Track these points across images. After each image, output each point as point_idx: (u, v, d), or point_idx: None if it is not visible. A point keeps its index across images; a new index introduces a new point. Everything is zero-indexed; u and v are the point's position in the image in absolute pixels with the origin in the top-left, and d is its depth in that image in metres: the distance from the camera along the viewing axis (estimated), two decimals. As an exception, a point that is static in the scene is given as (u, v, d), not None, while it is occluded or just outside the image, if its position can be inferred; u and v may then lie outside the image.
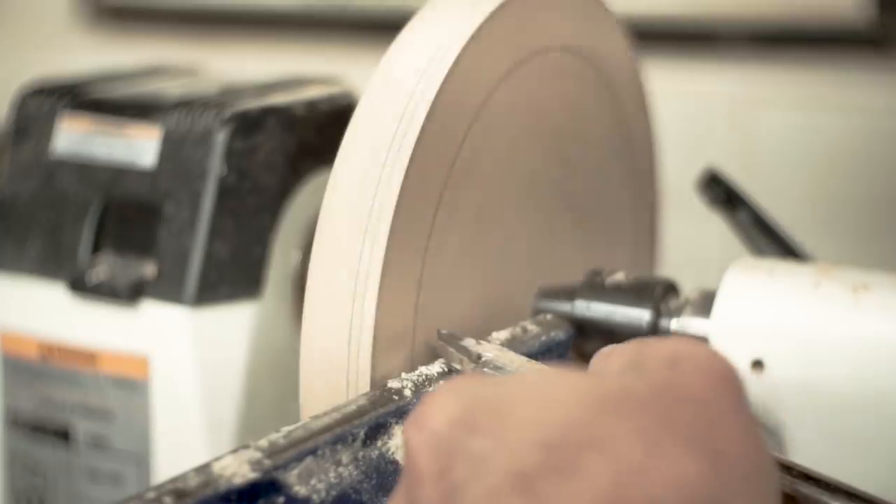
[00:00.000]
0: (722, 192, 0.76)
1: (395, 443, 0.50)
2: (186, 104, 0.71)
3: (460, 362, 0.54)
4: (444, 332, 0.56)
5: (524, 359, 0.54)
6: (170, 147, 0.70)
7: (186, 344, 0.68)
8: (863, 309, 0.57)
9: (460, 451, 0.38)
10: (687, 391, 0.39)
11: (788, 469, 0.47)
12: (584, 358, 0.61)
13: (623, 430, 0.37)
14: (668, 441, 0.37)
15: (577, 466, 0.36)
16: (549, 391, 0.39)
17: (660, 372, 0.40)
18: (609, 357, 0.43)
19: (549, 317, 0.62)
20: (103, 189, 0.71)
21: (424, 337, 0.56)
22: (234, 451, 0.46)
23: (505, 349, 0.55)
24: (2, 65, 1.37)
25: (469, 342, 0.55)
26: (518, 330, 0.59)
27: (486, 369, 0.53)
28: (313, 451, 0.47)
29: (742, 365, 0.59)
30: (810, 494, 0.47)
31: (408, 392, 0.52)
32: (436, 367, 0.54)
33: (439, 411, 0.39)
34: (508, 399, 0.39)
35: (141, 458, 0.70)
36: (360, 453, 0.49)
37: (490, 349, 0.54)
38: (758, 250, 0.73)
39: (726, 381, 0.40)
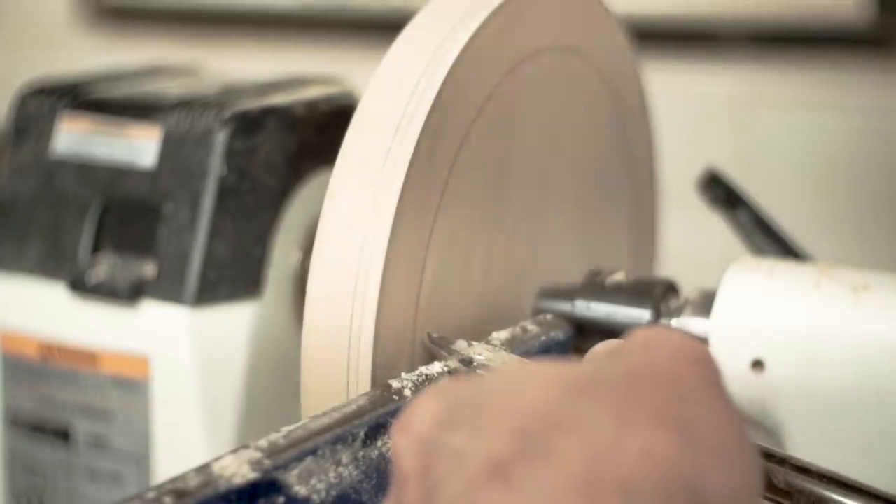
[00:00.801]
0: (722, 192, 0.76)
1: (395, 443, 0.50)
2: (186, 104, 0.71)
3: (451, 361, 0.54)
4: (434, 335, 0.56)
5: (517, 358, 0.54)
6: (170, 147, 0.70)
7: (186, 344, 0.68)
8: (863, 309, 0.57)
9: (442, 448, 0.38)
10: (658, 372, 0.39)
11: (782, 462, 0.47)
12: (584, 358, 0.61)
13: (593, 410, 0.37)
14: (639, 419, 0.37)
15: (550, 449, 0.36)
16: (523, 380, 0.40)
17: (633, 356, 0.40)
18: (596, 352, 0.45)
19: (549, 317, 0.62)
20: (103, 189, 0.71)
21: (425, 337, 0.56)
22: (234, 451, 0.46)
23: (498, 350, 0.55)
24: (2, 65, 1.37)
25: (460, 345, 0.55)
26: (518, 330, 0.59)
27: (479, 371, 0.53)
28: (313, 451, 0.47)
29: (742, 365, 0.59)
30: (805, 487, 0.47)
31: (408, 392, 0.52)
32: (436, 367, 0.54)
33: (422, 414, 0.39)
34: (487, 393, 0.39)
35: (141, 458, 0.70)
36: (360, 453, 0.49)
37: (482, 350, 0.54)
38: (758, 250, 0.73)
39: (699, 363, 0.40)
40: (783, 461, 0.47)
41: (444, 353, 0.54)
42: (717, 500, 0.36)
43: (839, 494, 0.46)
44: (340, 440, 0.48)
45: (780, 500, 0.47)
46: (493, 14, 0.57)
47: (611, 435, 0.36)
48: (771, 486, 0.47)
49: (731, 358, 0.58)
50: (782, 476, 0.47)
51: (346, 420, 0.49)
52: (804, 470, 0.47)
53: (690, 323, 0.61)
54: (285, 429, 0.47)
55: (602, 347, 0.46)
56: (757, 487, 0.38)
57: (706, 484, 0.36)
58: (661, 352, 0.40)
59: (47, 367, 0.71)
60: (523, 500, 0.35)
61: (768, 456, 0.47)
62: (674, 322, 0.61)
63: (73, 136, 0.72)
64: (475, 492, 0.36)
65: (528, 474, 0.36)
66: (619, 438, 0.36)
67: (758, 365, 0.59)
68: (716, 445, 0.37)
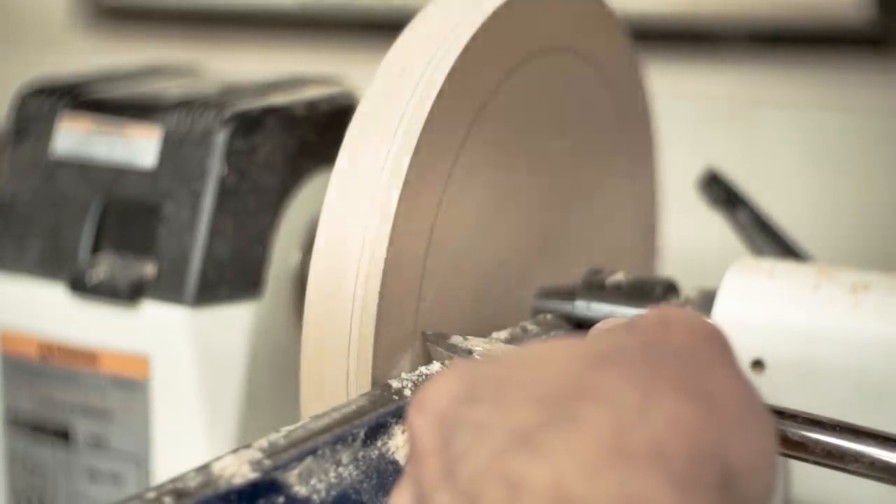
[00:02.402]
0: (722, 192, 0.76)
1: (395, 443, 0.50)
2: (186, 104, 0.71)
3: (450, 360, 0.54)
4: (429, 332, 0.56)
5: (514, 348, 0.55)
6: (170, 147, 0.70)
7: (186, 344, 0.68)
8: (862, 309, 0.57)
9: (462, 423, 0.38)
10: (676, 345, 0.40)
11: (794, 417, 0.48)
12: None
13: (617, 379, 0.37)
14: (663, 388, 0.37)
15: (576, 417, 0.36)
16: (542, 355, 0.40)
17: (649, 330, 0.41)
18: (598, 329, 0.46)
19: (549, 317, 0.62)
20: (103, 189, 0.71)
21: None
22: (234, 451, 0.46)
23: (494, 341, 0.56)
24: (2, 65, 1.37)
25: (456, 339, 0.55)
26: (518, 330, 0.59)
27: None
28: (313, 451, 0.47)
29: (742, 365, 0.58)
30: (819, 438, 0.48)
31: (408, 392, 0.52)
32: (436, 367, 0.54)
33: (440, 391, 0.40)
34: (506, 369, 0.40)
35: (141, 458, 0.70)
36: (360, 453, 0.49)
37: (478, 343, 0.55)
38: (758, 250, 0.73)
39: (713, 338, 0.41)
40: (794, 416, 0.48)
41: (441, 349, 0.55)
42: (742, 466, 0.37)
43: (852, 441, 0.47)
44: (340, 440, 0.48)
45: (796, 453, 0.48)
46: (493, 15, 0.57)
47: (637, 403, 0.37)
48: (786, 441, 0.48)
49: (731, 358, 0.58)
50: (796, 430, 0.48)
51: (346, 420, 0.49)
52: (815, 422, 0.48)
53: (690, 323, 0.61)
54: (285, 429, 0.47)
55: (602, 325, 0.47)
56: (775, 453, 0.39)
57: (731, 451, 0.37)
58: (676, 327, 0.41)
59: (47, 367, 0.71)
60: (553, 466, 0.35)
61: (779, 413, 0.48)
62: (674, 322, 0.61)
63: (73, 136, 0.72)
64: (501, 461, 0.36)
65: (555, 441, 0.36)
66: (645, 406, 0.36)
67: (758, 365, 0.59)
68: (737, 414, 0.38)
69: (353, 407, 0.50)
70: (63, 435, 0.72)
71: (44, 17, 1.40)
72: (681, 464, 0.36)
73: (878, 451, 0.47)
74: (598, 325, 0.48)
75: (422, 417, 0.39)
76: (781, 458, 0.50)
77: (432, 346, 0.55)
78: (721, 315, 0.59)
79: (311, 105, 0.73)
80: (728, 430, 0.37)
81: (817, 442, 0.48)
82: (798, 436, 0.48)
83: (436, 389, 0.40)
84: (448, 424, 0.39)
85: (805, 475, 0.58)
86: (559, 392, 0.37)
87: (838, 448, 0.47)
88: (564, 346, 0.40)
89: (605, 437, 0.36)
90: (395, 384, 0.52)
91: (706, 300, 0.61)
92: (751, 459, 0.37)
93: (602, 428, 0.36)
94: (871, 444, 0.47)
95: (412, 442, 0.40)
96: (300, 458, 0.46)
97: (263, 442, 0.46)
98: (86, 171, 0.71)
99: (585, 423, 0.36)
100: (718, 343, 0.41)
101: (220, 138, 0.69)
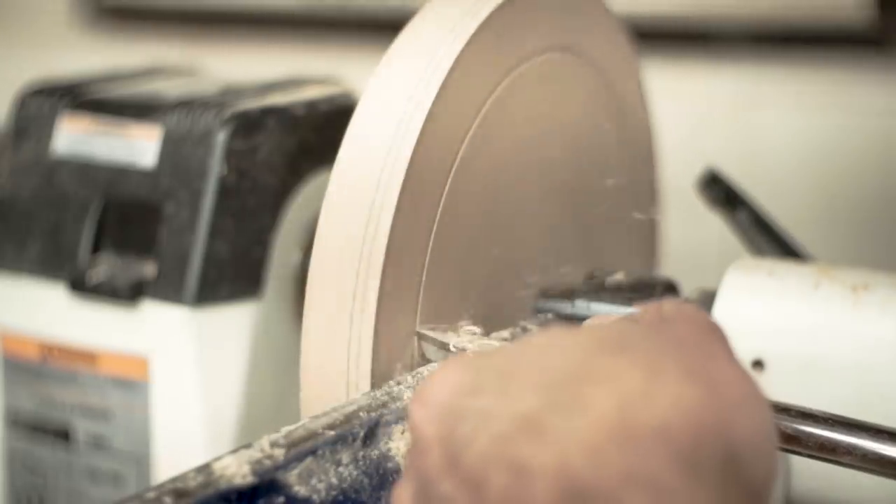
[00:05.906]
0: (722, 192, 0.76)
1: (395, 443, 0.50)
2: (186, 104, 0.71)
3: (444, 358, 0.54)
4: (421, 331, 0.56)
5: (507, 345, 0.55)
6: (170, 147, 0.70)
7: (186, 344, 0.68)
8: (862, 309, 0.57)
9: (464, 411, 0.39)
10: (677, 334, 0.41)
11: (786, 410, 0.48)
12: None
13: (621, 364, 0.38)
14: (666, 372, 0.38)
15: (580, 400, 0.37)
16: (546, 343, 0.40)
17: (650, 322, 0.42)
18: (590, 325, 0.46)
19: (549, 316, 0.62)
20: (103, 189, 0.71)
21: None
22: (234, 451, 0.46)
23: (487, 338, 0.56)
24: (2, 65, 1.37)
25: (449, 336, 0.55)
26: (518, 330, 0.59)
27: None
28: (313, 451, 0.47)
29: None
30: (812, 431, 0.48)
31: (408, 392, 0.52)
32: (436, 368, 0.54)
33: (442, 383, 0.40)
34: (508, 359, 0.40)
35: (141, 458, 0.70)
36: (360, 453, 0.49)
37: (471, 340, 0.55)
38: (758, 250, 0.73)
39: (711, 329, 0.42)
40: (787, 409, 0.49)
41: (434, 347, 0.55)
42: (744, 448, 0.37)
43: (845, 434, 0.48)
44: (340, 440, 0.48)
45: (790, 446, 0.49)
46: (493, 14, 0.57)
47: (641, 385, 0.37)
48: (780, 435, 0.48)
49: (731, 358, 0.58)
50: (789, 423, 0.48)
51: (346, 420, 0.49)
52: (808, 415, 0.49)
53: (690, 323, 0.61)
54: (285, 429, 0.47)
55: (594, 321, 0.47)
56: (775, 438, 0.40)
57: (733, 432, 0.37)
58: (676, 319, 0.42)
59: (47, 367, 0.71)
60: (558, 449, 0.36)
61: (773, 406, 0.48)
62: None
63: (73, 136, 0.72)
64: (506, 446, 0.37)
65: (560, 424, 0.36)
66: (649, 388, 0.37)
67: (758, 365, 0.59)
68: (738, 398, 0.38)
69: (353, 407, 0.50)
70: (63, 435, 0.72)
71: (44, 17, 1.40)
72: (685, 443, 0.36)
73: (871, 444, 0.47)
74: (588, 321, 0.48)
75: (424, 410, 0.40)
76: (781, 454, 0.50)
77: (426, 343, 0.55)
78: (721, 314, 0.59)
79: (311, 105, 0.73)
80: (731, 412, 0.38)
81: (810, 435, 0.48)
82: (791, 429, 0.48)
83: (437, 382, 0.40)
84: (451, 415, 0.39)
85: (804, 471, 0.59)
86: (563, 378, 0.38)
87: (831, 441, 0.48)
88: (566, 336, 0.40)
89: (610, 418, 0.36)
90: (395, 384, 0.52)
91: (706, 300, 0.61)
92: (753, 442, 0.38)
93: (607, 410, 0.36)
94: (864, 437, 0.47)
95: (414, 435, 0.40)
96: (300, 458, 0.46)
97: (263, 442, 0.46)
98: (86, 170, 0.71)
99: (590, 406, 0.37)
100: (717, 334, 0.42)
101: (220, 138, 0.69)
